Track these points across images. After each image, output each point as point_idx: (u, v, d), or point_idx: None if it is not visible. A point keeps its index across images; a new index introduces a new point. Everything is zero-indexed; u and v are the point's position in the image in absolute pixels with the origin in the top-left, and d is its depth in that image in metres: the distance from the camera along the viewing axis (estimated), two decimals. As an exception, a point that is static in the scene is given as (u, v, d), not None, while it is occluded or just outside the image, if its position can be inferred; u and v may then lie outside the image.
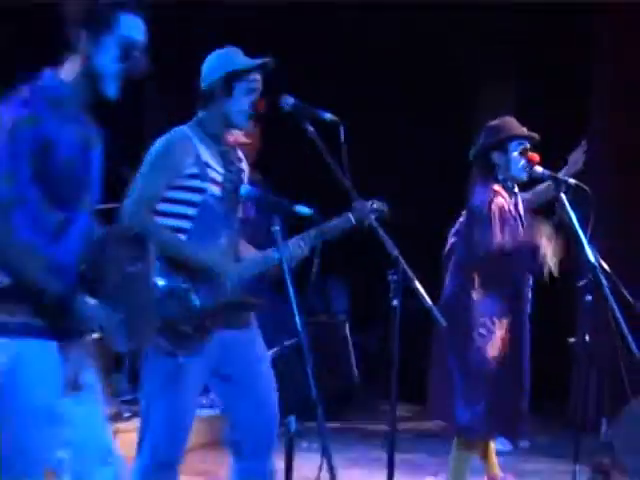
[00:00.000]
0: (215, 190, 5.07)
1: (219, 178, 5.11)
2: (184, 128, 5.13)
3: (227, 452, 5.36)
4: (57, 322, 3.85)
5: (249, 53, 5.16)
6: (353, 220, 5.22)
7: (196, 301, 4.96)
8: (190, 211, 5.04)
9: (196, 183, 5.02)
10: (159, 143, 5.07)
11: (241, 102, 5.11)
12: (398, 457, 5.23)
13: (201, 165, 5.04)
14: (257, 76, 5.18)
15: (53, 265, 3.80)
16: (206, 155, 5.09)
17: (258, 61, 5.16)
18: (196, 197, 5.03)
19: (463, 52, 11.66)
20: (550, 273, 6.33)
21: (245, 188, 5.05)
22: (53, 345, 3.88)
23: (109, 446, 4.08)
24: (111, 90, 3.90)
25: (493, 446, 6.53)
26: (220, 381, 5.24)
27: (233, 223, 5.22)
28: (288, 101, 4.93)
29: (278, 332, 7.22)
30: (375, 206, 5.29)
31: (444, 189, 6.72)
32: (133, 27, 3.91)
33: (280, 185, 5.22)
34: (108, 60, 3.89)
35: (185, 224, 5.02)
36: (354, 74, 12.00)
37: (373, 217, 5.17)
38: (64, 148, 3.81)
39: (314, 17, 11.66)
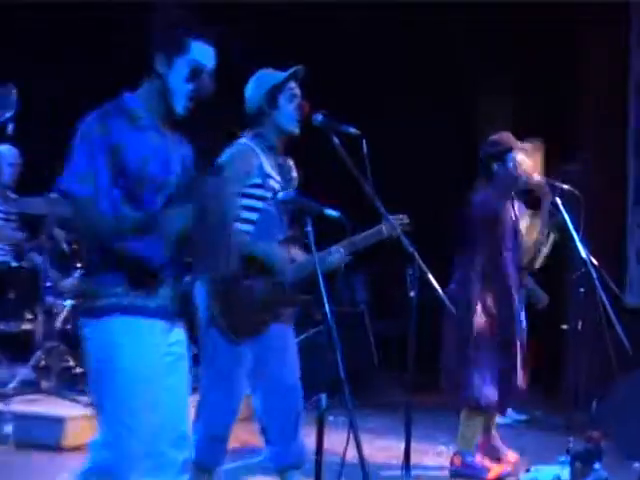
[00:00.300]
0: (271, 197, 5.10)
1: (277, 187, 5.12)
2: (247, 141, 5.15)
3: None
4: (153, 295, 3.91)
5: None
6: (385, 233, 5.18)
7: (258, 297, 4.96)
8: (253, 216, 5.05)
9: (259, 192, 5.05)
10: (227, 155, 5.08)
11: (287, 109, 5.10)
12: (412, 428, 5.18)
13: (263, 175, 5.07)
14: (293, 84, 5.16)
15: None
16: (267, 166, 5.12)
17: (291, 70, 5.14)
18: (258, 204, 5.05)
19: (464, 66, 11.23)
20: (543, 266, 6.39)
21: (282, 193, 5.11)
22: (151, 322, 3.93)
23: (185, 429, 4.12)
24: (179, 107, 3.99)
25: (494, 419, 6.51)
26: (254, 366, 5.15)
27: (286, 227, 5.21)
28: (317, 117, 4.82)
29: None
30: (403, 221, 5.26)
31: (446, 193, 6.69)
32: (202, 53, 4.00)
33: (308, 192, 5.24)
34: (178, 80, 3.98)
35: (247, 227, 5.03)
36: (358, 83, 11.42)
37: (400, 230, 5.14)
38: (133, 152, 3.89)
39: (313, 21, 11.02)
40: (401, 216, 5.28)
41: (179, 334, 4.08)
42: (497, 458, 6.42)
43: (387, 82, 11.46)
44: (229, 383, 5.11)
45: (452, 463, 6.38)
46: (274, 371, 5.14)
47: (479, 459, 6.34)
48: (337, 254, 5.04)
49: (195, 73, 3.98)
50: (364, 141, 4.77)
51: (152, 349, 3.91)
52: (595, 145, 9.24)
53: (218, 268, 4.34)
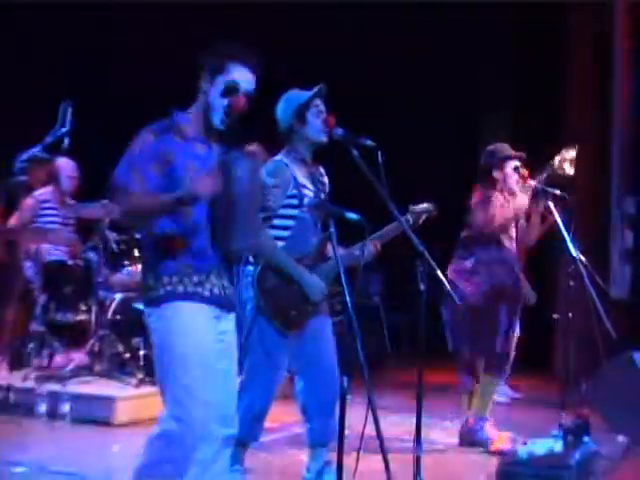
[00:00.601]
0: (303, 208, 5.15)
1: (311, 194, 5.19)
2: (282, 158, 5.18)
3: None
4: (204, 283, 3.99)
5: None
6: (411, 221, 5.28)
7: (302, 293, 5.02)
8: (289, 222, 5.11)
9: (294, 202, 5.10)
10: (265, 170, 5.00)
11: (315, 124, 5.11)
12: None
13: (298, 186, 5.12)
14: (318, 101, 5.17)
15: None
16: (300, 177, 5.16)
17: (315, 90, 5.17)
18: (294, 212, 5.11)
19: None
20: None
21: (307, 199, 5.19)
22: (203, 307, 3.99)
23: (232, 408, 4.19)
24: (217, 120, 4.05)
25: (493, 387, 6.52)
26: (297, 351, 5.21)
27: (320, 229, 5.25)
28: (338, 132, 4.86)
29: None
30: (430, 209, 5.39)
31: (449, 198, 6.72)
32: (239, 74, 4.04)
33: (331, 197, 5.28)
34: (216, 95, 4.04)
35: (284, 233, 5.09)
36: (362, 91, 11.00)
37: (424, 217, 5.33)
38: (181, 159, 3.99)
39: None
40: (425, 205, 5.36)
41: (229, 324, 4.14)
42: None
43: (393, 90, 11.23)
44: (273, 367, 5.13)
45: (467, 422, 6.43)
46: (315, 356, 5.17)
47: (488, 428, 6.37)
48: (367, 249, 5.02)
49: (230, 90, 4.02)
50: (379, 152, 4.86)
51: (204, 333, 3.97)
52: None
53: (245, 245, 4.32)
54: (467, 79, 10.89)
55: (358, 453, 4.12)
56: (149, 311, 4.04)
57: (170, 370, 3.96)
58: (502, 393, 6.83)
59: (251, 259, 5.10)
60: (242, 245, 4.26)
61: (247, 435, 5.04)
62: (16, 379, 7.47)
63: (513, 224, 6.50)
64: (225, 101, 4.03)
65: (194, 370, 3.91)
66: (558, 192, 6.22)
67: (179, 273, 3.96)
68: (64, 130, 7.52)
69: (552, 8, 9.81)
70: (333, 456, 4.09)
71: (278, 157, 5.19)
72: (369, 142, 4.86)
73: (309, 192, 5.18)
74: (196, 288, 3.96)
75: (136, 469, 3.94)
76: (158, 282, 3.97)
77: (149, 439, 3.95)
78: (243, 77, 4.06)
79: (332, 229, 4.67)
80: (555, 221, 6.09)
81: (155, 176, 3.94)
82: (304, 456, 5.33)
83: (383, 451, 4.51)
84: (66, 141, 7.56)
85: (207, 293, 3.99)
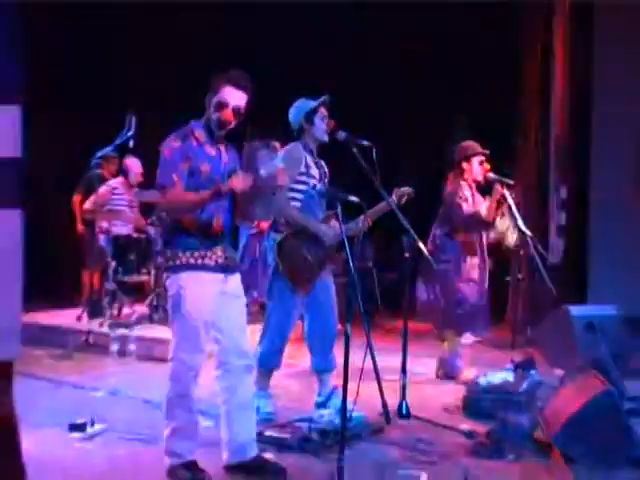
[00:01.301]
0: (314, 182, 5.17)
1: (316, 177, 5.19)
2: (297, 144, 5.19)
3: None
4: (210, 255, 4.06)
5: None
6: (396, 201, 5.29)
7: (308, 256, 5.00)
8: (299, 196, 5.11)
9: (303, 178, 5.11)
10: (287, 152, 5.09)
11: (320, 126, 5.15)
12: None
13: (307, 166, 5.14)
14: (323, 108, 5.18)
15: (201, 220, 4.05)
16: (309, 162, 5.17)
17: (320, 100, 5.17)
18: (303, 187, 5.12)
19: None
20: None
21: (319, 187, 5.24)
22: (213, 274, 4.08)
23: (243, 336, 4.20)
24: (214, 129, 4.13)
25: (458, 338, 6.57)
26: (306, 303, 5.19)
27: (323, 205, 5.26)
28: (341, 134, 4.97)
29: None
30: (408, 191, 5.37)
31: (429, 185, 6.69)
32: (230, 94, 4.09)
33: (337, 184, 5.28)
34: (211, 110, 4.12)
35: (297, 204, 5.09)
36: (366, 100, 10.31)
37: (405, 199, 5.35)
38: (201, 158, 4.07)
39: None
40: (406, 188, 5.38)
41: (235, 280, 4.19)
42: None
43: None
44: (288, 314, 5.15)
45: (440, 360, 6.49)
46: (318, 307, 5.20)
47: (458, 362, 6.45)
48: (362, 223, 5.06)
49: (219, 106, 4.09)
50: (374, 150, 4.92)
51: (210, 291, 4.04)
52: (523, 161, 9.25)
53: (268, 215, 4.46)
54: (439, 84, 10.29)
55: (359, 381, 4.12)
56: (167, 275, 4.14)
57: (175, 322, 4.09)
58: (468, 337, 6.84)
59: (277, 228, 5.09)
60: (264, 217, 4.36)
61: (271, 364, 5.15)
62: (94, 325, 7.56)
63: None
64: (215, 115, 4.10)
65: (188, 322, 4.01)
66: (511, 182, 6.26)
67: (190, 248, 4.03)
68: (130, 134, 7.60)
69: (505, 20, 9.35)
70: (339, 384, 4.18)
71: (294, 144, 5.21)
72: (365, 142, 4.93)
73: (315, 174, 5.20)
74: (203, 260, 4.03)
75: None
76: (174, 255, 4.05)
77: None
78: (232, 96, 4.10)
79: (338, 209, 4.73)
80: (509, 205, 6.14)
81: (182, 171, 4.00)
82: (315, 384, 5.37)
83: (378, 380, 4.57)
84: (131, 142, 7.64)
85: (212, 263, 4.06)
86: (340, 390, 4.12)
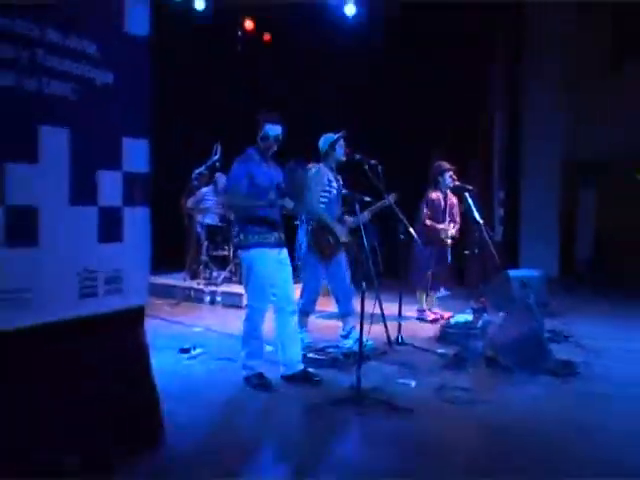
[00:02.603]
0: (333, 191, 4.98)
1: (335, 185, 5.01)
2: (322, 165, 4.98)
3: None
4: (270, 235, 4.00)
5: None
6: (391, 202, 5.06)
7: (330, 239, 4.87)
8: (325, 199, 4.92)
9: (327, 188, 4.94)
10: (315, 171, 4.92)
11: (339, 152, 4.97)
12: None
13: (329, 181, 4.96)
14: (341, 140, 4.97)
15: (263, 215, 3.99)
16: (330, 176, 4.99)
17: (339, 134, 4.95)
18: (327, 194, 4.94)
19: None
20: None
21: (344, 191, 5.10)
22: (269, 250, 4.02)
23: (291, 290, 4.17)
24: (265, 152, 4.05)
25: (432, 293, 6.46)
26: (329, 270, 5.03)
27: (340, 205, 5.07)
28: (356, 156, 4.91)
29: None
30: (394, 195, 5.12)
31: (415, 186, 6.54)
32: (271, 128, 4.02)
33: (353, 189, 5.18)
34: (259, 140, 4.04)
35: (322, 205, 4.89)
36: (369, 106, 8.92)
37: (393, 200, 5.13)
38: (258, 176, 3.98)
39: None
40: (394, 194, 5.12)
41: (284, 254, 4.13)
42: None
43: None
44: (316, 278, 5.03)
45: (418, 310, 6.36)
46: (337, 273, 5.05)
47: (427, 312, 6.33)
48: (365, 215, 4.94)
49: (264, 138, 4.02)
50: (379, 166, 4.84)
51: (271, 261, 3.99)
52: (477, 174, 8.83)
53: (302, 208, 4.36)
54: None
55: (371, 321, 4.13)
56: (240, 252, 4.11)
57: (247, 280, 4.04)
58: (443, 292, 6.74)
59: (307, 219, 4.95)
60: (299, 210, 4.31)
61: (308, 309, 5.05)
62: (194, 284, 7.49)
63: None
64: (262, 143, 4.04)
65: (257, 282, 3.98)
66: (470, 187, 6.13)
67: (255, 232, 3.97)
68: (216, 158, 7.56)
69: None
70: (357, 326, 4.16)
71: (320, 165, 5.01)
72: (374, 161, 4.85)
73: (334, 185, 5.03)
74: (265, 239, 3.98)
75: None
76: (246, 237, 4.00)
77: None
78: (272, 129, 4.02)
79: (357, 207, 4.68)
80: (469, 203, 6.03)
81: (245, 185, 3.92)
82: (340, 323, 5.30)
83: (384, 320, 4.56)
84: (217, 164, 7.60)
85: (271, 241, 4.01)
86: (357, 327, 4.10)
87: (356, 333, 5.13)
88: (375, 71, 8.70)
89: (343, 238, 4.94)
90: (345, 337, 5.15)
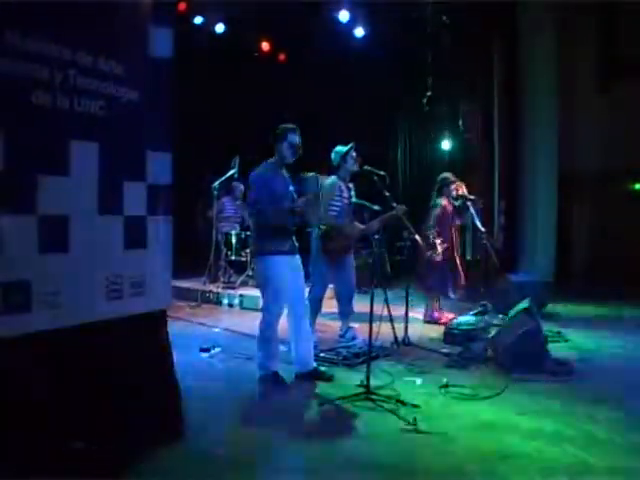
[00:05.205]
0: (345, 200, 5.01)
1: (346, 195, 5.03)
2: (335, 177, 5.01)
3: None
4: (285, 243, 3.97)
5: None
6: (398, 214, 4.92)
7: (339, 242, 4.85)
8: (337, 209, 4.94)
9: (339, 197, 4.96)
10: (327, 182, 4.94)
11: (351, 163, 4.99)
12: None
13: (341, 191, 4.98)
14: (353, 151, 4.98)
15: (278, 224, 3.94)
16: (342, 187, 5.01)
17: (350, 146, 4.97)
18: (339, 203, 4.96)
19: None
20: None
21: (355, 200, 5.11)
22: (284, 256, 3.98)
23: (303, 294, 4.15)
24: (284, 162, 4.04)
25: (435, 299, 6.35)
26: (334, 272, 5.05)
27: (350, 213, 5.07)
28: (367, 168, 4.86)
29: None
30: (404, 207, 5.04)
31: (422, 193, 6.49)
32: (293, 137, 4.01)
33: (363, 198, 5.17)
34: (283, 149, 4.02)
35: (334, 213, 4.92)
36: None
37: (402, 212, 5.06)
38: (275, 185, 3.96)
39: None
40: (402, 205, 5.03)
41: (297, 259, 4.09)
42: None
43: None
44: (325, 279, 5.03)
45: (425, 313, 6.30)
46: (342, 275, 5.06)
47: (436, 314, 6.25)
48: (375, 224, 4.87)
49: (290, 146, 3.99)
50: (387, 177, 4.83)
51: (285, 267, 3.95)
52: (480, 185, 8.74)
53: (315, 220, 4.39)
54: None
55: (379, 322, 4.09)
56: (257, 258, 4.07)
57: (264, 286, 4.00)
58: (451, 295, 6.68)
59: (319, 225, 4.89)
60: (313, 220, 4.29)
61: (314, 309, 4.95)
62: (213, 287, 7.52)
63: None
64: (288, 151, 4.01)
65: (273, 288, 3.94)
66: (472, 197, 6.11)
67: (271, 240, 3.94)
68: (233, 170, 7.59)
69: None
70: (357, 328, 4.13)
71: (333, 177, 5.06)
72: (382, 172, 4.84)
73: (346, 195, 5.03)
74: (281, 247, 3.96)
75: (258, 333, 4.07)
76: (262, 244, 3.97)
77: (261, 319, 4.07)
78: (295, 138, 4.02)
79: (366, 215, 4.66)
80: (471, 213, 6.00)
81: (265, 195, 3.90)
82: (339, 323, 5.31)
83: (391, 321, 4.54)
84: (235, 175, 7.63)
85: (286, 249, 3.99)
86: (354, 328, 4.05)
87: (351, 333, 5.15)
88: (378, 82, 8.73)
89: (349, 232, 4.88)
90: (341, 337, 5.14)
